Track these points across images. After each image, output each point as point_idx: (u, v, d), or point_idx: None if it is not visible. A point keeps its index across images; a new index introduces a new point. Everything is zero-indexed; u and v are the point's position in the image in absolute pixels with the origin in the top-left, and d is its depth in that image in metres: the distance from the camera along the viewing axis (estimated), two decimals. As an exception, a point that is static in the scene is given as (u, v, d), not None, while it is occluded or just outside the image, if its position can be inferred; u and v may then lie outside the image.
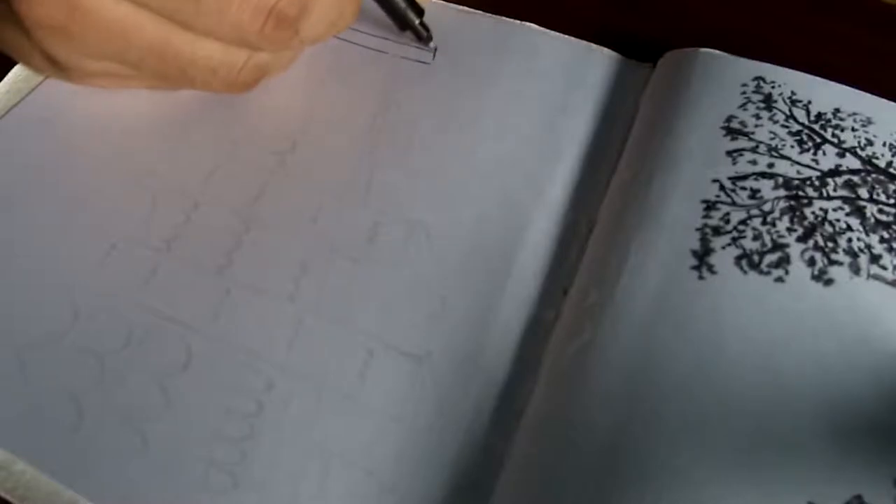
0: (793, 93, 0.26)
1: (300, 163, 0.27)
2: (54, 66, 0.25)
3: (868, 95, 0.26)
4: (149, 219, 0.26)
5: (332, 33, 0.26)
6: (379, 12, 0.29)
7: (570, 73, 0.29)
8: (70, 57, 0.24)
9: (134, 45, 0.23)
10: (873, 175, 0.25)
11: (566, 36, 0.30)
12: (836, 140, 0.25)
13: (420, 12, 0.29)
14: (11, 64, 0.28)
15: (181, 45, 0.24)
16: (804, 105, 0.26)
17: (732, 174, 0.25)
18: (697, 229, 0.24)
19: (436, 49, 0.30)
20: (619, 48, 0.30)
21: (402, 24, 0.29)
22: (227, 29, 0.23)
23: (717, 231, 0.24)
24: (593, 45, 0.30)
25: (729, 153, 0.25)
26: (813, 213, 0.24)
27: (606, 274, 0.24)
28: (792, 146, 0.25)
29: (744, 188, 0.24)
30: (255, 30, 0.23)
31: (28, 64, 0.25)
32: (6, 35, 0.24)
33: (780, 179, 0.24)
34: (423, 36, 0.29)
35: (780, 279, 0.23)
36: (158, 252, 0.25)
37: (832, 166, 0.25)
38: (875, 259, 0.23)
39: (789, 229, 0.23)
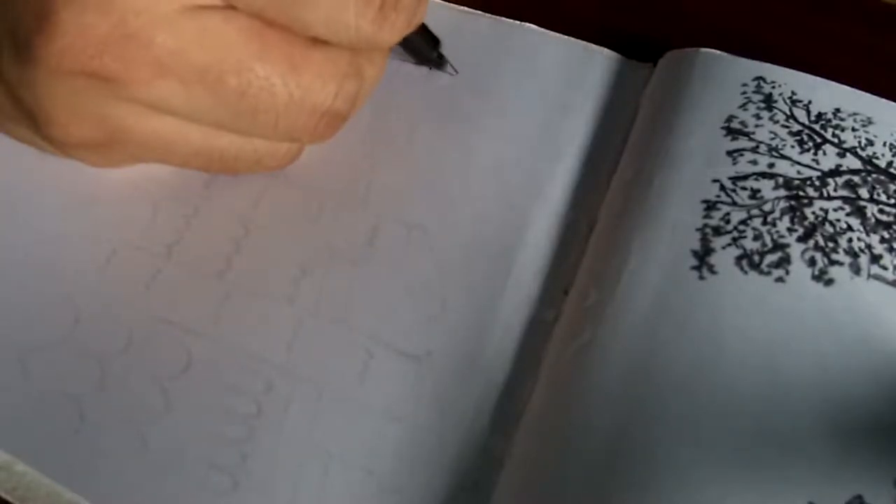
0: (793, 93, 0.26)
1: (299, 165, 0.27)
2: (74, 157, 0.24)
3: (868, 95, 0.26)
4: (149, 223, 0.26)
5: None
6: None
7: (569, 74, 0.29)
8: (104, 163, 0.24)
9: (178, 153, 0.23)
10: (874, 175, 0.25)
11: (565, 36, 0.30)
12: (836, 140, 0.25)
13: (436, 43, 0.28)
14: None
15: (227, 146, 0.23)
16: (804, 105, 0.26)
17: (733, 174, 0.25)
18: (698, 229, 0.24)
19: (455, 72, 0.29)
20: (619, 48, 0.30)
21: (420, 58, 0.29)
22: (281, 133, 0.22)
23: (717, 231, 0.24)
24: (593, 46, 0.30)
25: (729, 153, 0.25)
26: (813, 213, 0.24)
27: (606, 274, 0.24)
28: (792, 146, 0.25)
29: (744, 188, 0.24)
30: (308, 131, 0.22)
31: (39, 149, 0.24)
32: (17, 134, 0.23)
33: (781, 179, 0.24)
34: (441, 68, 0.29)
35: (780, 279, 0.23)
36: (159, 257, 0.25)
37: (832, 166, 0.25)
38: (875, 259, 0.23)
39: (790, 229, 0.23)
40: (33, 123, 0.21)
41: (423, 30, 0.28)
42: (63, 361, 0.23)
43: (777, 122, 0.26)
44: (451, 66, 0.29)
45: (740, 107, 0.26)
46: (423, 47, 0.28)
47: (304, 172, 0.27)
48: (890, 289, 0.22)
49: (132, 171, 0.27)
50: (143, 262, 0.25)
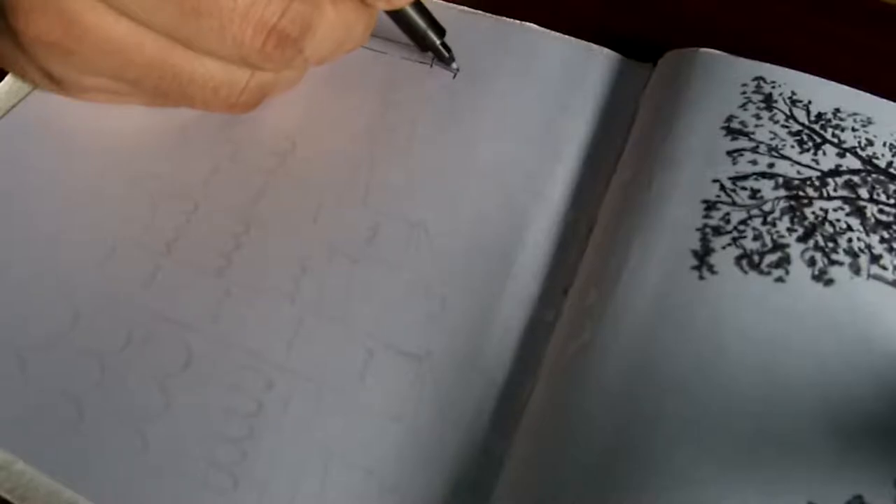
0: (793, 93, 0.26)
1: (300, 163, 0.27)
2: (50, 80, 0.24)
3: (868, 95, 0.26)
4: (149, 220, 0.26)
5: (341, 54, 0.25)
6: (383, 17, 0.29)
7: (570, 73, 0.29)
8: (66, 72, 0.24)
9: (133, 63, 0.23)
10: (873, 175, 0.25)
11: (566, 36, 0.30)
12: (836, 140, 0.25)
13: (441, 32, 0.28)
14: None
15: (181, 63, 0.23)
16: (804, 105, 0.26)
17: (733, 174, 0.25)
18: (698, 229, 0.24)
19: (458, 70, 0.29)
20: (619, 48, 0.30)
21: (423, 44, 0.29)
22: (228, 48, 0.22)
23: (717, 231, 0.24)
24: (593, 45, 0.30)
25: (729, 153, 0.25)
26: (813, 213, 0.24)
27: (606, 274, 0.24)
28: (792, 146, 0.25)
29: (744, 188, 0.24)
30: (256, 48, 0.22)
31: (23, 77, 0.25)
32: (1, 48, 0.24)
33: (781, 179, 0.24)
34: (444, 57, 0.29)
35: (780, 279, 0.23)
36: (159, 253, 0.25)
37: (832, 166, 0.25)
38: (875, 259, 0.23)
39: (789, 229, 0.23)
40: (3, 17, 0.22)
41: (428, 15, 0.28)
42: (62, 359, 0.23)
43: (777, 122, 0.26)
44: (455, 62, 0.29)
45: (740, 107, 0.26)
46: (425, 31, 0.28)
47: (304, 170, 0.27)
48: (890, 289, 0.22)
49: (131, 166, 0.27)
50: (143, 258, 0.25)
